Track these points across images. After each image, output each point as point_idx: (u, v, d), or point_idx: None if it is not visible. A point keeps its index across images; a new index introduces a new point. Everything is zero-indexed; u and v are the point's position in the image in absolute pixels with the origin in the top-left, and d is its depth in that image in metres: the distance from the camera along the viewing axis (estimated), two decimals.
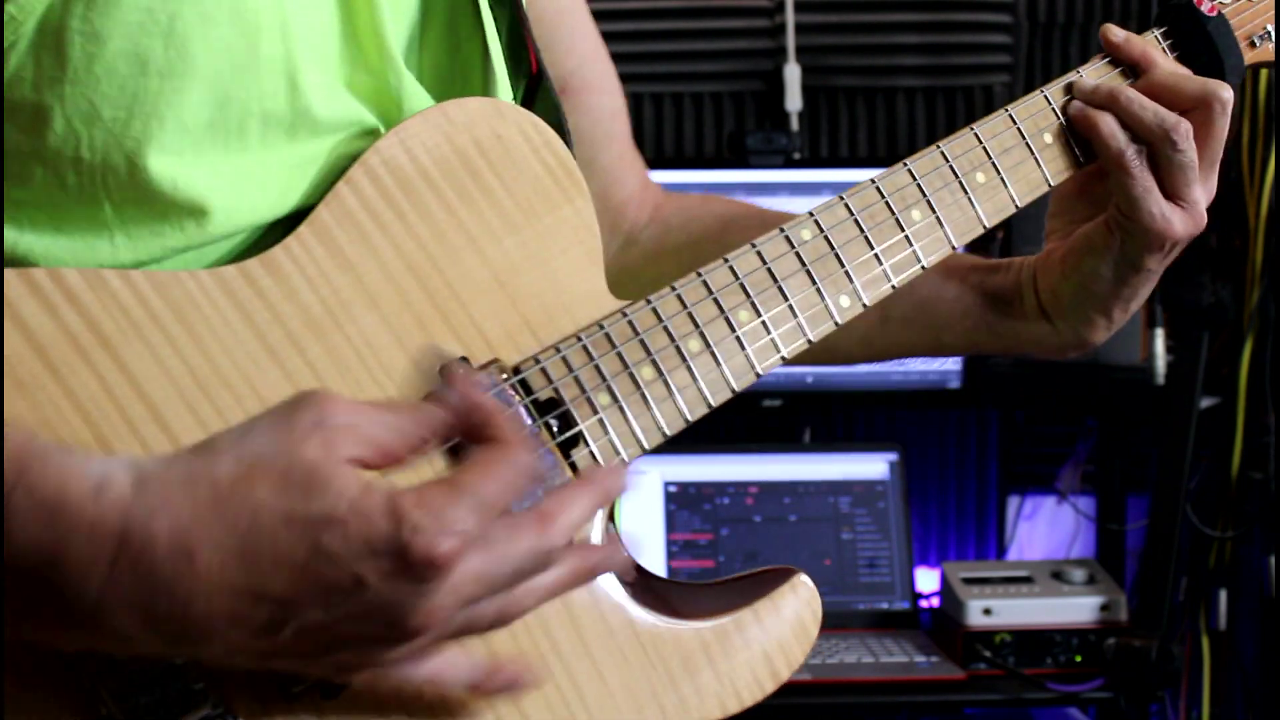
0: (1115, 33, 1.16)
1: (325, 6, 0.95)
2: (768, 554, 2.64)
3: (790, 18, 2.94)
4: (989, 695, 2.46)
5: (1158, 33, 1.18)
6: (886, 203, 1.09)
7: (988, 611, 2.47)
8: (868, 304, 1.08)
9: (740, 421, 2.97)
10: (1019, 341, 1.20)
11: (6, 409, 0.83)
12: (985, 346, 1.21)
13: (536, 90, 1.11)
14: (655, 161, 2.96)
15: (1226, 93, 1.12)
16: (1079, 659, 2.47)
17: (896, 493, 2.70)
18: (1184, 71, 1.16)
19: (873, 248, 1.08)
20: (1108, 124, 1.12)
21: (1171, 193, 1.12)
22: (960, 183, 1.11)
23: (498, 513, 0.82)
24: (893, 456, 2.72)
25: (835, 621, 2.62)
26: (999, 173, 1.13)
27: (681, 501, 2.66)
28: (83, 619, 0.77)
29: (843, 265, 1.07)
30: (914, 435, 3.04)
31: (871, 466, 2.72)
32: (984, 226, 1.12)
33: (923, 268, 1.10)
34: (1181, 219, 1.12)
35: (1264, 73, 2.63)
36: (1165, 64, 1.15)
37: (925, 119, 3.03)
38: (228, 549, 0.77)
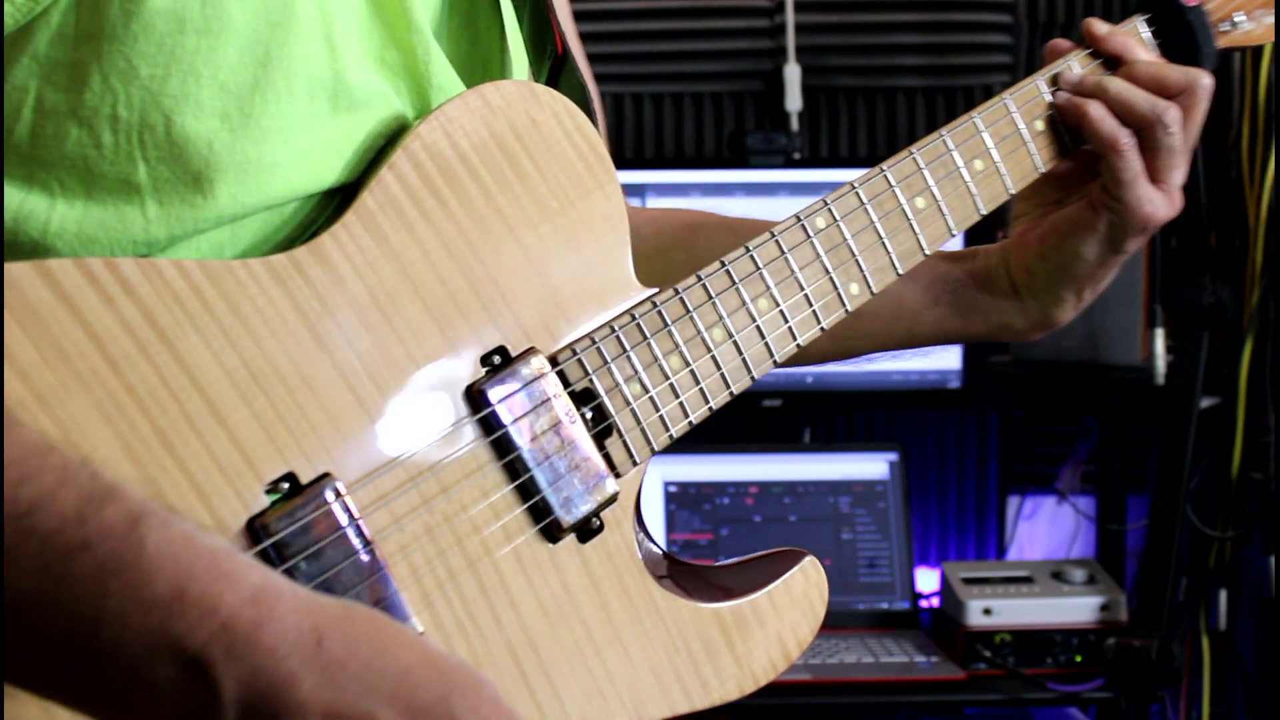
0: (1098, 26, 1.20)
1: None
2: None
3: (790, 18, 2.94)
4: (989, 695, 2.46)
5: (1140, 20, 1.23)
6: (894, 191, 1.12)
7: (988, 611, 2.47)
8: (875, 291, 1.11)
9: (740, 421, 2.97)
10: (987, 325, 1.22)
11: (70, 403, 0.83)
12: (954, 333, 1.24)
13: (561, 72, 1.11)
14: (655, 161, 2.96)
15: (1208, 79, 1.16)
16: (1079, 659, 2.47)
17: (896, 493, 2.70)
18: (1164, 62, 1.19)
19: (881, 236, 1.11)
20: (1097, 109, 1.15)
21: (1155, 176, 1.15)
22: (961, 171, 1.15)
23: None
24: (893, 456, 2.72)
25: (835, 621, 2.61)
26: (995, 160, 1.16)
27: (681, 501, 2.66)
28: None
29: (853, 254, 1.10)
30: (914, 435, 3.04)
31: (871, 466, 2.72)
32: (980, 214, 1.16)
33: (926, 254, 1.13)
34: (1164, 202, 1.16)
35: (1264, 73, 2.63)
36: (1146, 55, 1.19)
37: (925, 119, 3.02)
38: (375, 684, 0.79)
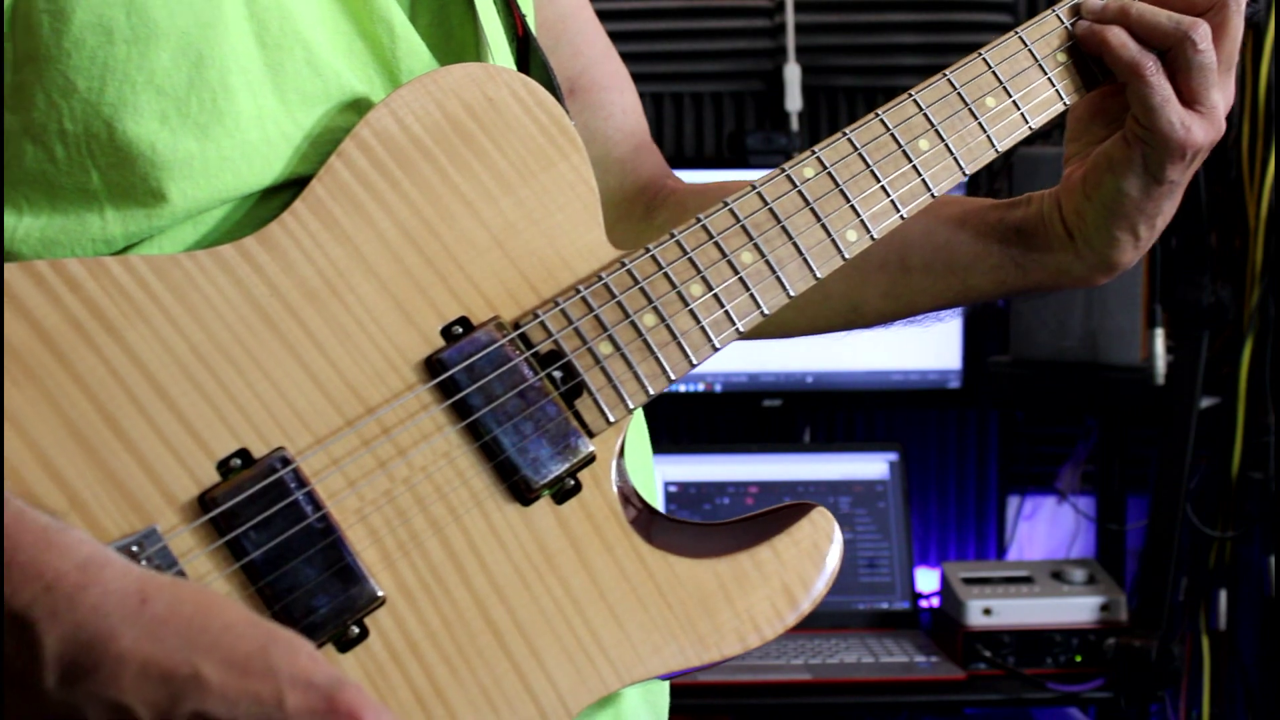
0: None
1: None
2: None
3: (790, 18, 2.94)
4: (989, 695, 2.46)
5: None
6: (892, 135, 1.09)
7: (988, 611, 2.47)
8: (876, 236, 1.08)
9: (740, 421, 2.97)
10: (1046, 273, 1.17)
11: (18, 396, 0.86)
12: (1013, 284, 1.19)
13: (527, 52, 1.12)
14: None
15: None
16: (1079, 659, 2.47)
17: (896, 493, 2.70)
18: None
19: (879, 180, 1.08)
20: (1116, 35, 1.11)
21: (1190, 98, 1.10)
22: (970, 109, 1.11)
23: None
24: (893, 456, 2.72)
25: (835, 621, 2.62)
26: (1010, 96, 1.12)
27: (682, 501, 2.66)
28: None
29: (848, 199, 1.07)
30: (914, 435, 3.04)
31: (871, 466, 2.72)
32: (996, 150, 1.12)
33: (933, 195, 1.10)
34: (1201, 125, 1.10)
35: (1264, 73, 2.63)
36: None
37: None
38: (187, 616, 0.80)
